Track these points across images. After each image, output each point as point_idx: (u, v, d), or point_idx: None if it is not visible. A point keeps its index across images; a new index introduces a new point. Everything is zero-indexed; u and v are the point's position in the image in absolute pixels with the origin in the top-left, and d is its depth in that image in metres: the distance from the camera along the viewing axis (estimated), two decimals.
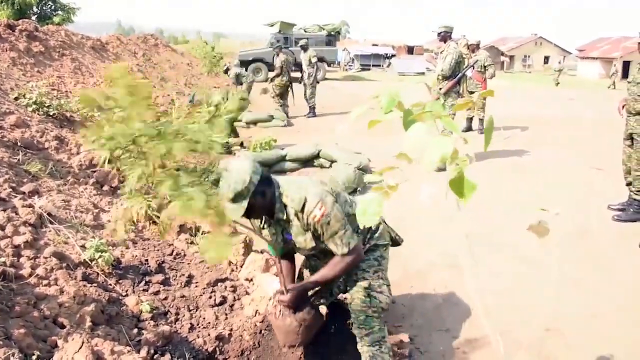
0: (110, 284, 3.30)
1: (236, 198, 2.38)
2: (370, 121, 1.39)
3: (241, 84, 12.94)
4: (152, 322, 3.06)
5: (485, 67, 10.16)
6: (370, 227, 2.81)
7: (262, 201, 2.49)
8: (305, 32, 26.15)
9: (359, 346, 2.74)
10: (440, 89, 7.58)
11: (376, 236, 2.84)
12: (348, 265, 2.62)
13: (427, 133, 1.25)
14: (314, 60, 12.46)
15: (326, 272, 2.66)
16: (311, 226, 2.54)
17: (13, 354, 2.21)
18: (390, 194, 1.34)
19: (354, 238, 2.56)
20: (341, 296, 3.25)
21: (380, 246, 2.85)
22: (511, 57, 53.17)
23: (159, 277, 3.59)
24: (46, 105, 5.92)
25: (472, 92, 9.91)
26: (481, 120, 10.48)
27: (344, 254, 2.56)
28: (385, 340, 2.70)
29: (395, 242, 3.08)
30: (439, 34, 7.85)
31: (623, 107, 5.52)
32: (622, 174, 5.60)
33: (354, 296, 2.74)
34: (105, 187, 4.84)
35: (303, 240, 2.64)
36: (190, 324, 3.18)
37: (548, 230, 1.45)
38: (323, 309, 3.17)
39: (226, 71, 14.10)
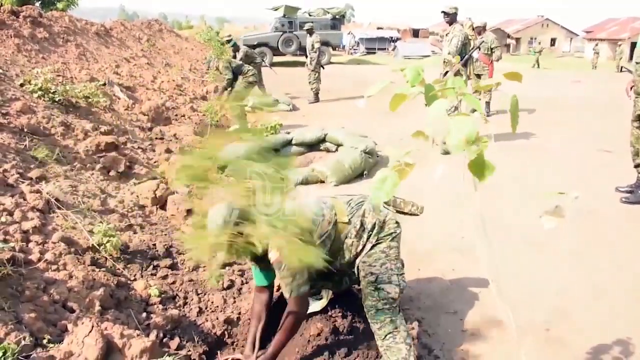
0: (119, 269, 3.32)
1: None
2: (394, 97, 1.37)
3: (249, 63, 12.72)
4: (160, 306, 3.07)
5: (492, 49, 10.07)
6: (366, 227, 2.79)
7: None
8: (310, 15, 26.00)
9: (375, 339, 2.76)
10: (447, 72, 7.51)
11: (375, 231, 2.80)
12: (295, 325, 2.69)
13: (447, 111, 1.24)
14: (316, 45, 12.34)
15: (279, 338, 2.67)
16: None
17: (24, 338, 2.23)
18: (408, 172, 1.33)
19: (299, 291, 2.58)
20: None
21: (384, 238, 2.81)
22: (517, 40, 52.73)
23: (167, 261, 3.60)
24: (52, 91, 5.90)
25: (478, 75, 9.84)
26: (487, 102, 10.41)
27: (287, 297, 2.62)
28: (398, 329, 2.68)
29: (413, 214, 3.04)
30: (449, 14, 7.71)
31: (631, 88, 5.46)
32: (631, 155, 5.56)
33: (364, 291, 2.77)
34: (112, 173, 4.85)
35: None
36: (199, 307, 3.19)
37: (564, 215, 1.43)
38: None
39: (233, 44, 13.43)
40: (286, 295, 2.62)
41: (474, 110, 1.30)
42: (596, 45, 31.40)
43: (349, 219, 2.79)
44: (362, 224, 2.78)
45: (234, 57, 11.03)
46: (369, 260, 2.77)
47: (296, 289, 2.58)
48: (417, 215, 3.05)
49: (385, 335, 2.68)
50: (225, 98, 9.41)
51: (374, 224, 2.79)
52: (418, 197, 5.15)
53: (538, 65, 27.64)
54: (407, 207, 3.02)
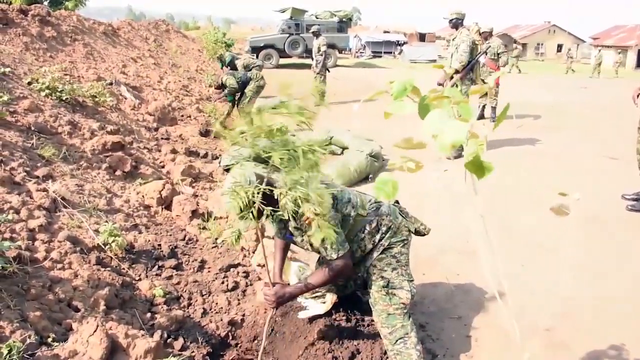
0: (124, 268, 3.33)
1: None
2: (385, 112, 1.39)
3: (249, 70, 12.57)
4: (165, 307, 3.08)
5: (498, 54, 10.07)
6: (381, 228, 2.79)
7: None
8: (317, 18, 26.04)
9: (384, 343, 2.75)
10: (452, 77, 7.48)
11: (389, 235, 2.79)
12: (334, 275, 2.61)
13: (444, 119, 1.25)
14: (323, 48, 12.32)
15: (312, 280, 2.65)
16: (304, 227, 2.55)
17: (29, 336, 2.23)
18: (416, 170, 1.35)
19: (343, 246, 2.54)
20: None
21: (396, 243, 2.81)
22: (524, 45, 52.67)
23: (172, 262, 3.61)
24: (59, 90, 5.93)
25: (485, 81, 9.83)
26: (493, 108, 10.41)
27: (332, 259, 2.55)
28: (409, 335, 2.68)
29: (419, 233, 3.02)
30: (451, 20, 7.73)
31: (638, 95, 5.43)
32: (637, 163, 5.54)
33: (375, 296, 2.76)
34: (118, 172, 4.86)
35: (300, 241, 2.69)
36: (203, 309, 3.20)
37: (568, 212, 1.44)
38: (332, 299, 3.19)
39: (229, 62, 12.71)
40: (331, 256, 2.54)
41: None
42: (569, 50, 33.04)
43: (367, 214, 2.78)
44: (377, 224, 2.78)
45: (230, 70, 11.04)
46: (380, 265, 2.76)
47: (342, 246, 2.53)
48: (424, 235, 3.03)
49: (396, 340, 2.67)
50: (228, 107, 9.54)
51: (389, 227, 2.79)
52: (422, 201, 5.17)
53: (518, 70, 27.82)
54: (416, 224, 3.00)
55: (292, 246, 3.30)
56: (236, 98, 9.53)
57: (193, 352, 2.76)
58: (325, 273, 2.60)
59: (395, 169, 1.50)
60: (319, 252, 2.74)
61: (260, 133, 2.22)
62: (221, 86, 9.49)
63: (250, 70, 11.34)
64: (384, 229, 2.79)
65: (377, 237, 2.78)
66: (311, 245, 2.64)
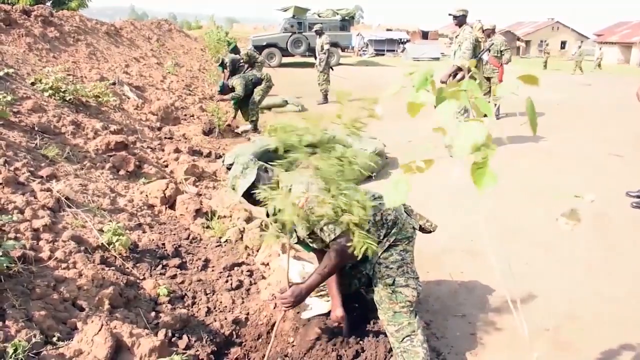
0: (128, 268, 3.33)
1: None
2: (409, 105, 1.35)
3: (252, 64, 12.52)
4: (169, 306, 3.08)
5: (501, 52, 10.01)
6: (387, 223, 2.78)
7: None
8: (319, 17, 26.02)
9: (391, 341, 2.73)
10: (457, 75, 7.46)
11: (394, 232, 2.77)
12: (340, 257, 2.56)
13: (457, 114, 1.23)
14: (325, 46, 12.33)
15: (321, 267, 2.63)
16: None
17: (34, 335, 2.24)
18: (425, 169, 1.31)
19: (340, 226, 2.46)
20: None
21: (402, 240, 2.79)
22: (527, 42, 52.51)
23: (176, 261, 3.62)
24: (62, 90, 5.94)
25: (488, 78, 9.80)
26: (497, 106, 10.37)
27: (331, 240, 2.52)
28: (415, 333, 2.66)
29: (425, 230, 3.01)
30: (457, 17, 7.69)
31: None
32: None
33: (380, 294, 2.74)
34: (122, 172, 4.87)
35: (302, 229, 2.64)
36: (207, 307, 3.20)
37: (580, 219, 1.40)
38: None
39: (233, 48, 12.80)
40: (329, 237, 2.51)
41: (485, 115, 1.27)
42: (547, 45, 33.52)
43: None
44: (382, 217, 2.74)
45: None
46: (385, 262, 2.75)
47: (339, 226, 2.44)
48: (430, 232, 3.02)
49: (403, 338, 2.65)
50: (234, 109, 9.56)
51: (395, 221, 2.77)
52: (427, 200, 5.16)
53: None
54: (421, 221, 2.99)
55: (294, 246, 3.29)
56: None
57: (197, 350, 2.77)
58: (330, 257, 2.58)
59: (405, 170, 1.45)
60: (320, 247, 2.74)
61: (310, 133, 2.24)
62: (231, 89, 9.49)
63: (253, 64, 11.38)
64: (390, 223, 2.76)
65: (383, 231, 2.75)
66: (313, 238, 2.63)
